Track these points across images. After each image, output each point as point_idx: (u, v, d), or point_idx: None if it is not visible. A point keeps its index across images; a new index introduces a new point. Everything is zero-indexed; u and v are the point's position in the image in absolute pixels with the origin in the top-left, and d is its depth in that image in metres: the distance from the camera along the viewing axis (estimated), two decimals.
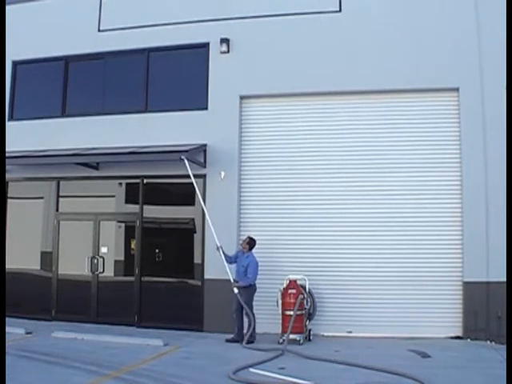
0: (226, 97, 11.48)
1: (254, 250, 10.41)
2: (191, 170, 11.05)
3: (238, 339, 10.00)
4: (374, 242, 10.77)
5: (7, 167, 11.67)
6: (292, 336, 9.71)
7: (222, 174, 11.24)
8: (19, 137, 12.09)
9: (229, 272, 10.12)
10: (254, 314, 10.02)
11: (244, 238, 10.64)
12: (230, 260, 10.37)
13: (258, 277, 10.96)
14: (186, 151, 10.52)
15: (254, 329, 9.89)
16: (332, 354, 8.97)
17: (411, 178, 10.80)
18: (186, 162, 10.15)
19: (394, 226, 10.75)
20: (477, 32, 10.66)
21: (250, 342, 9.81)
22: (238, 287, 10.01)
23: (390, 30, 11.06)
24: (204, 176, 11.44)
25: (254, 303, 10.26)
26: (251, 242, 10.39)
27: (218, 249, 10.26)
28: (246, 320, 10.05)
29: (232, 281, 10.09)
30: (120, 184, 12.26)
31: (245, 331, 10.03)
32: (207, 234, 11.08)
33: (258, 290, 10.36)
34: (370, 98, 11.15)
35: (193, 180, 10.17)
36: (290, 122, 11.41)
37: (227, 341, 10.02)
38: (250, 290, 10.12)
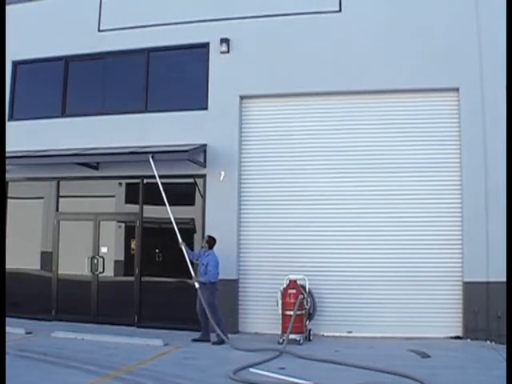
0: (226, 97, 11.48)
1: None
2: (191, 170, 11.10)
3: (203, 339, 9.95)
4: (374, 242, 10.76)
5: (7, 167, 11.66)
6: (292, 336, 9.71)
7: (222, 174, 11.24)
8: (19, 137, 12.08)
9: (190, 267, 10.09)
10: (218, 313, 9.87)
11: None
12: (194, 257, 10.34)
13: (258, 277, 11.00)
14: (186, 151, 10.53)
15: (219, 327, 9.72)
16: (332, 354, 8.97)
17: (411, 178, 10.79)
18: (151, 161, 10.20)
19: (394, 226, 10.74)
20: (477, 32, 10.66)
21: (219, 342, 9.68)
22: (199, 282, 9.91)
23: (390, 30, 11.06)
24: (204, 176, 11.45)
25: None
26: (211, 241, 10.31)
27: (180, 244, 10.23)
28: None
29: (193, 275, 10.04)
30: (120, 184, 12.26)
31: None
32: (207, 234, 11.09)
33: (257, 289, 10.37)
34: (370, 98, 11.14)
35: (158, 180, 10.23)
36: (289, 122, 11.41)
37: (193, 340, 9.96)
38: (211, 288, 9.96)
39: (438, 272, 10.49)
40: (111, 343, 9.71)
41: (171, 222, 10.17)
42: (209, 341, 9.86)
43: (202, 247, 10.39)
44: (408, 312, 10.44)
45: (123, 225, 12.20)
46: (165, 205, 10.26)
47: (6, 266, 10.96)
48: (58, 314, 11.98)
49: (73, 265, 12.11)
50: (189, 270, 10.09)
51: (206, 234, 11.00)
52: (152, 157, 10.29)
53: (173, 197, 10.64)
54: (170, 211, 10.20)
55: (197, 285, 9.91)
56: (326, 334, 10.67)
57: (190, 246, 11.02)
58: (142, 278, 11.64)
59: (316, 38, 11.27)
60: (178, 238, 10.22)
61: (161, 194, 10.22)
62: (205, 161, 11.41)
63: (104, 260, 11.95)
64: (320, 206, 11.05)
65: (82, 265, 11.91)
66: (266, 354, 8.76)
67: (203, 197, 11.40)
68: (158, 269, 11.72)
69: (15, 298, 11.59)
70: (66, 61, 12.67)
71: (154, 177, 11.58)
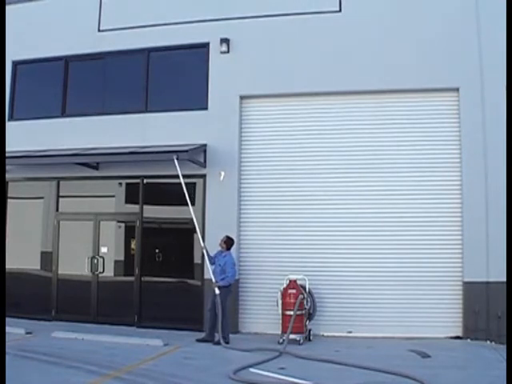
0: (226, 97, 11.48)
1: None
2: (191, 170, 11.11)
3: (208, 339, 9.92)
4: (374, 242, 10.76)
5: (7, 167, 11.66)
6: (292, 336, 9.71)
7: (222, 174, 11.24)
8: (19, 137, 12.08)
9: (211, 272, 10.10)
10: (226, 316, 9.88)
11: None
12: (212, 260, 10.27)
13: (258, 277, 11.00)
14: (186, 151, 10.53)
15: (225, 330, 9.73)
16: (332, 354, 8.97)
17: (411, 178, 10.79)
18: (176, 162, 10.16)
19: (394, 226, 10.74)
20: (477, 32, 10.66)
21: (218, 343, 9.62)
22: (219, 287, 9.86)
23: (390, 30, 11.05)
24: (204, 176, 11.45)
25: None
26: (228, 241, 10.29)
27: (202, 249, 10.24)
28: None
29: (214, 281, 9.98)
30: (120, 184, 12.26)
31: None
32: (207, 234, 11.10)
33: (257, 289, 10.35)
34: (370, 98, 11.15)
35: (181, 180, 10.19)
36: (290, 122, 11.41)
37: (197, 340, 9.95)
38: (226, 290, 9.96)
39: (438, 272, 10.49)
40: (111, 343, 9.70)
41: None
42: (213, 341, 9.86)
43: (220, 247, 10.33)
44: (408, 312, 10.44)
45: (123, 225, 12.20)
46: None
47: (6, 266, 10.97)
48: (57, 314, 11.98)
49: (73, 265, 12.10)
50: (210, 274, 10.11)
51: (207, 233, 11.03)
52: (177, 158, 10.20)
53: (173, 197, 10.64)
54: (192, 213, 10.15)
55: (217, 291, 9.82)
56: (325, 333, 10.67)
57: (190, 247, 11.04)
58: (142, 278, 11.64)
59: (316, 38, 11.27)
60: (200, 240, 10.23)
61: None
62: (205, 161, 11.41)
63: (104, 260, 11.94)
64: (320, 206, 11.04)
65: (82, 265, 11.91)
66: (266, 354, 8.77)
67: (203, 197, 11.40)
68: (158, 269, 11.72)
69: (15, 298, 11.58)
70: (66, 61, 12.66)
71: (154, 177, 11.65)
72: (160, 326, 11.07)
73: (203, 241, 10.43)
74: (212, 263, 10.23)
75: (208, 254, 10.22)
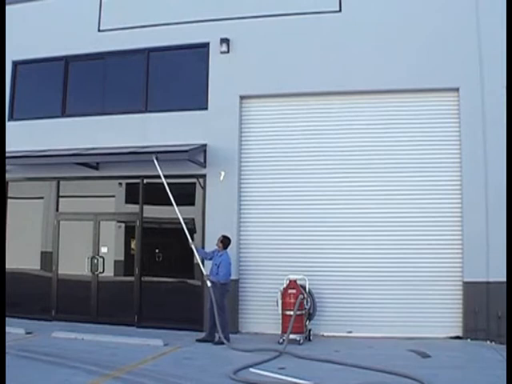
0: (226, 97, 11.48)
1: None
2: (191, 170, 11.12)
3: (208, 339, 9.92)
4: (374, 242, 10.76)
5: (7, 167, 11.67)
6: (292, 336, 9.70)
7: (222, 174, 11.24)
8: (19, 137, 12.08)
9: (201, 265, 10.19)
10: (225, 315, 9.88)
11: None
12: (207, 256, 10.34)
13: (258, 277, 11.01)
14: (186, 151, 10.54)
15: (225, 329, 9.71)
16: (332, 354, 8.97)
17: (411, 177, 10.79)
18: (156, 162, 10.23)
19: (394, 226, 10.74)
20: (477, 32, 10.67)
21: (220, 343, 9.63)
22: (211, 282, 9.89)
23: (390, 30, 11.06)
24: (204, 176, 11.45)
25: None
26: (225, 241, 10.28)
27: (190, 244, 10.23)
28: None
29: (204, 273, 10.05)
30: (120, 184, 12.26)
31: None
32: (207, 234, 11.10)
33: (257, 289, 10.34)
34: (370, 98, 11.15)
35: (163, 180, 10.25)
36: (290, 122, 11.41)
37: (197, 340, 9.95)
38: (221, 289, 9.94)
39: (438, 272, 10.50)
40: (111, 343, 9.70)
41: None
42: (213, 341, 9.85)
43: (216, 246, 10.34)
44: (408, 312, 10.44)
45: (123, 225, 12.20)
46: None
47: (6, 266, 10.97)
48: (57, 314, 11.98)
49: (73, 265, 12.11)
50: (200, 269, 10.21)
51: (207, 233, 11.03)
52: (156, 158, 10.28)
53: (173, 197, 10.63)
54: (177, 211, 10.18)
55: (209, 283, 9.90)
56: (325, 333, 10.66)
57: (191, 247, 11.04)
58: (142, 278, 11.64)
59: (316, 38, 11.27)
60: (187, 238, 10.23)
61: (167, 194, 10.22)
62: (205, 161, 11.41)
63: (104, 260, 11.94)
64: (320, 206, 11.04)
65: (82, 265, 11.91)
66: (266, 354, 8.77)
67: (203, 197, 11.40)
68: (158, 269, 11.72)
69: (15, 298, 11.59)
70: (66, 61, 12.66)
71: (154, 177, 11.62)
72: (160, 326, 11.07)
73: (192, 239, 10.42)
74: (208, 258, 10.28)
75: (198, 250, 10.27)
